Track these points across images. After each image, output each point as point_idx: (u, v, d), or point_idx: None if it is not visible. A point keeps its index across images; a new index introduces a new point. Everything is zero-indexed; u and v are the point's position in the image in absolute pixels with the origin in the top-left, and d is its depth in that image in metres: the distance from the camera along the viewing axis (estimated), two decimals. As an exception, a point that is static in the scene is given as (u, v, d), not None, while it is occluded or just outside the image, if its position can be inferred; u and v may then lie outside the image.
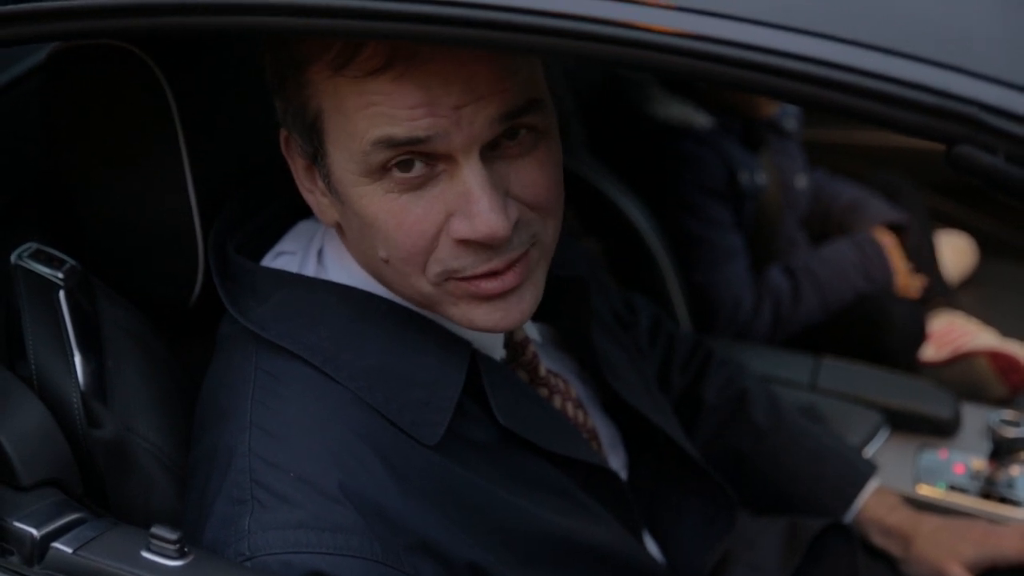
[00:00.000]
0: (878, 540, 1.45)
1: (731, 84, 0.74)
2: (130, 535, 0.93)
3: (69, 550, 0.91)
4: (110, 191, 1.13)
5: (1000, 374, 2.20)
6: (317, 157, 0.97)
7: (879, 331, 2.20)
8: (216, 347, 1.09)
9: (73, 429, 1.02)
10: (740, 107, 2.19)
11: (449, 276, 0.95)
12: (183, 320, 1.21)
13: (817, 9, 0.73)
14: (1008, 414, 1.54)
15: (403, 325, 1.03)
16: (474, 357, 1.04)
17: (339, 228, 1.04)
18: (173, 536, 0.88)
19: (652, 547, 1.30)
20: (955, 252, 2.64)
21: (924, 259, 2.44)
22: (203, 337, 1.13)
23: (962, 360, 2.24)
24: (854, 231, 2.42)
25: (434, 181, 0.92)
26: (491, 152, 0.92)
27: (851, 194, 2.53)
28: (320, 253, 1.09)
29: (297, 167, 1.03)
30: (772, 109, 2.24)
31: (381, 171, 0.91)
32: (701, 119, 2.18)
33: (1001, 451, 1.53)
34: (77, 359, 1.04)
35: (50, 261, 1.07)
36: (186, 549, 0.89)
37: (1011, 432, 1.49)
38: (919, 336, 2.26)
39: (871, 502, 1.46)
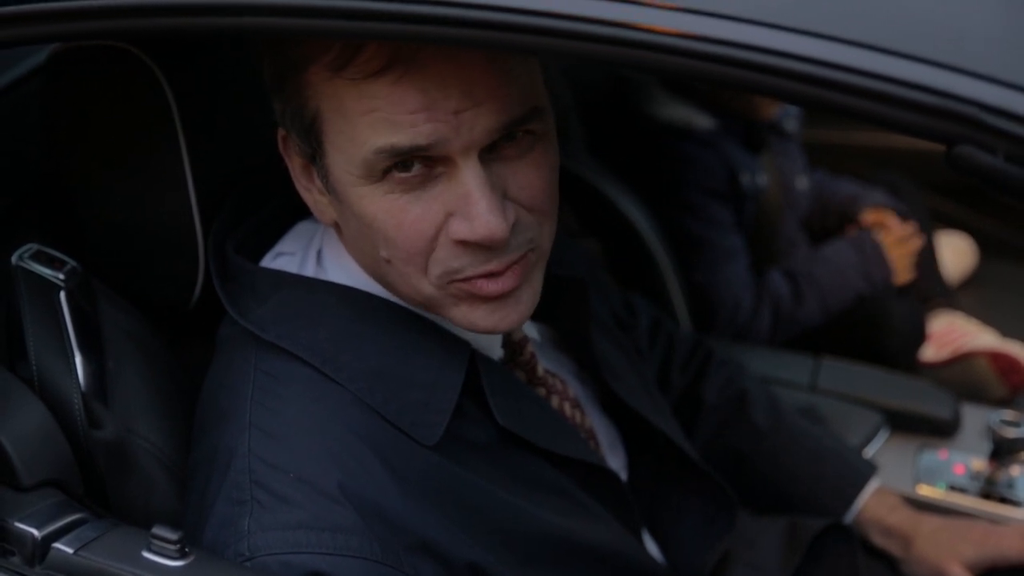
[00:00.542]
0: (878, 540, 1.45)
1: (731, 84, 0.74)
2: (131, 535, 0.93)
3: (70, 550, 0.91)
4: (110, 192, 1.13)
5: (1000, 374, 2.20)
6: (315, 157, 0.97)
7: (879, 332, 2.20)
8: (216, 348, 1.09)
9: (74, 430, 1.02)
10: (741, 109, 2.19)
11: (450, 278, 0.95)
12: (183, 321, 1.21)
13: (817, 9, 0.73)
14: (1008, 414, 1.54)
15: (402, 326, 1.03)
16: (473, 358, 1.04)
17: (337, 227, 1.04)
18: (174, 536, 0.88)
19: (652, 547, 1.30)
20: (955, 252, 2.64)
21: (924, 259, 2.44)
22: (203, 338, 1.13)
23: (962, 360, 2.24)
24: (854, 219, 2.42)
25: (433, 182, 0.92)
26: (489, 154, 0.92)
27: (850, 188, 2.54)
28: (319, 254, 1.09)
29: (295, 166, 1.03)
30: (773, 111, 2.24)
31: (381, 174, 0.91)
32: (702, 120, 2.18)
33: (1001, 451, 1.53)
34: (78, 360, 1.04)
35: (51, 262, 1.07)
36: (187, 549, 0.89)
37: (1011, 432, 1.49)
38: (919, 337, 2.26)
39: (871, 502, 1.46)
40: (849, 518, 1.46)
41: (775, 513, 1.45)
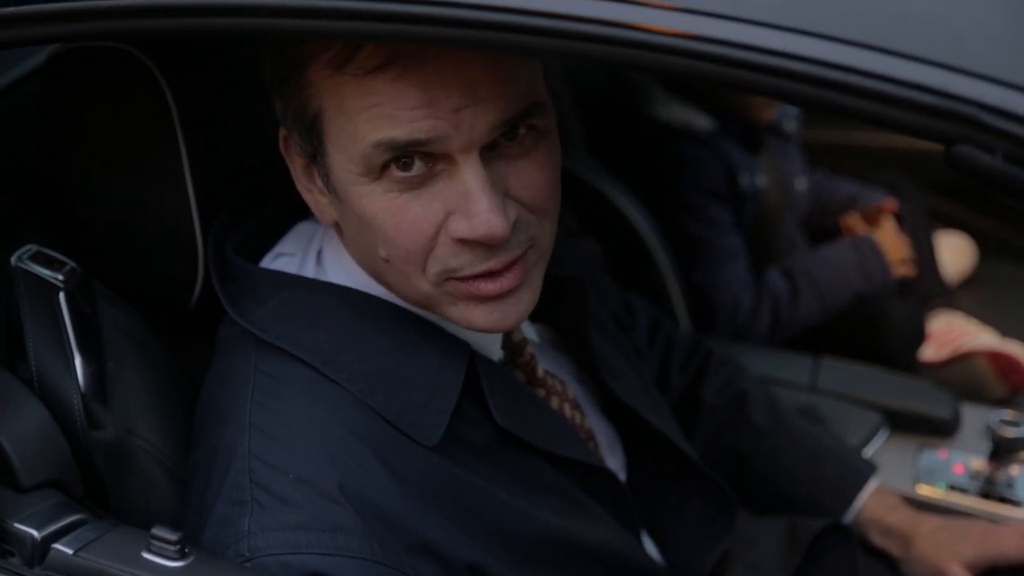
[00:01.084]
0: (878, 540, 1.45)
1: (730, 84, 0.74)
2: (131, 536, 0.93)
3: (70, 551, 0.91)
4: (110, 193, 1.13)
5: (1000, 374, 2.20)
6: (316, 156, 0.97)
7: (879, 332, 2.20)
8: (216, 349, 1.09)
9: (73, 430, 1.02)
10: (740, 110, 2.19)
11: (448, 276, 0.95)
12: (183, 322, 1.21)
13: (816, 9, 0.72)
14: (1008, 414, 1.54)
15: (402, 327, 1.03)
16: (472, 359, 1.04)
17: (337, 228, 1.04)
18: (173, 537, 0.88)
19: (651, 547, 1.30)
20: (955, 252, 2.64)
21: (924, 259, 2.44)
22: (203, 339, 1.13)
23: (962, 360, 2.24)
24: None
25: (433, 180, 0.92)
26: (490, 152, 0.92)
27: (850, 189, 2.54)
28: (319, 254, 1.09)
29: (295, 166, 1.03)
30: (772, 113, 2.25)
31: (381, 171, 0.91)
32: (702, 121, 2.18)
33: (1001, 451, 1.53)
34: (77, 361, 1.04)
35: (50, 263, 1.07)
36: (186, 550, 0.89)
37: (1011, 432, 1.49)
38: (919, 336, 2.26)
39: (871, 502, 1.46)
40: (849, 518, 1.46)
41: (775, 513, 1.45)
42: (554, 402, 1.17)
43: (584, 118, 2.22)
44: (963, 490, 1.57)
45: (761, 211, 2.24)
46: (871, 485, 1.48)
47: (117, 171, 1.12)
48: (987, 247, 2.68)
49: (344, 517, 0.91)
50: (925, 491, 1.58)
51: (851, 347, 2.09)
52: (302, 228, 1.14)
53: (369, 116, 0.89)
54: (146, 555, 0.89)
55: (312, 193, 1.03)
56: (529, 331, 1.20)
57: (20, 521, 0.93)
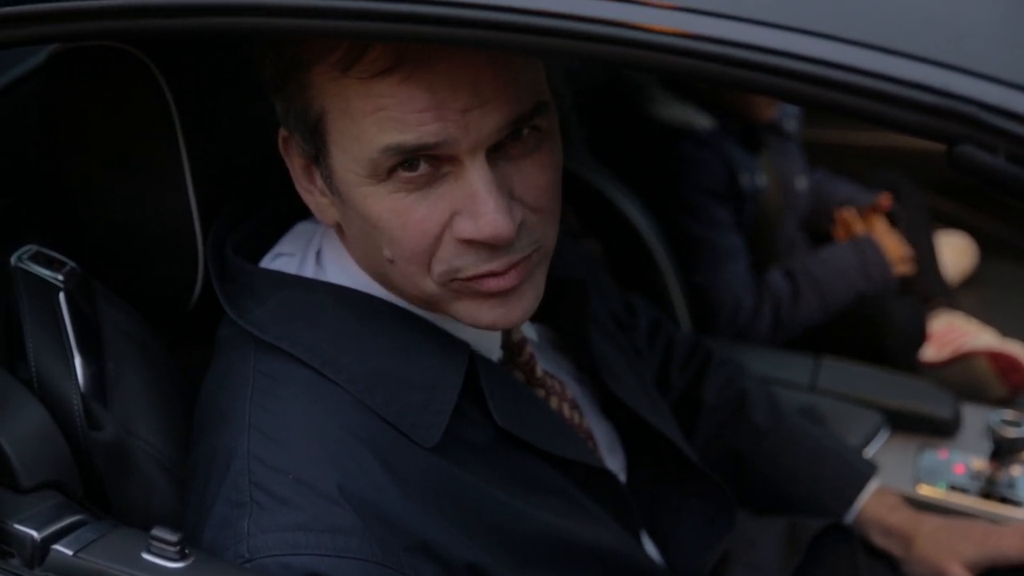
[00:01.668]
0: (878, 540, 1.44)
1: (731, 84, 0.74)
2: (130, 537, 0.93)
3: (70, 552, 0.91)
4: (110, 193, 1.13)
5: (1000, 374, 2.20)
6: (319, 157, 0.97)
7: (879, 332, 2.20)
8: (215, 349, 1.08)
9: (73, 431, 1.02)
10: (741, 110, 2.19)
11: (452, 276, 0.95)
12: (182, 323, 1.21)
13: (817, 8, 0.72)
14: (1008, 414, 1.54)
15: (402, 327, 1.03)
16: (472, 359, 1.04)
17: (338, 228, 1.04)
18: (173, 538, 0.88)
19: (651, 548, 1.30)
20: (955, 252, 2.64)
21: (925, 259, 2.44)
22: (202, 339, 1.13)
23: (962, 360, 2.24)
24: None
25: (439, 181, 0.92)
26: (494, 153, 0.92)
27: (850, 188, 2.54)
28: (319, 254, 1.09)
29: (295, 167, 1.03)
30: (772, 112, 2.25)
31: (387, 173, 0.91)
32: (702, 121, 2.18)
33: (1001, 451, 1.52)
34: (77, 361, 1.04)
35: (50, 263, 1.07)
36: (186, 551, 0.89)
37: (1011, 432, 1.49)
38: (919, 337, 2.26)
39: (871, 502, 1.46)
40: (849, 518, 1.46)
41: (775, 513, 1.45)
42: (553, 402, 1.17)
43: (585, 118, 2.22)
44: (964, 490, 1.57)
45: (761, 211, 2.24)
46: (872, 485, 1.47)
47: (117, 171, 1.12)
48: (988, 247, 2.68)
49: (343, 518, 0.91)
50: (926, 491, 1.58)
51: (852, 347, 2.08)
52: (301, 228, 1.14)
53: (375, 119, 0.89)
54: (146, 556, 0.89)
55: (312, 194, 1.03)
56: (529, 331, 1.20)
57: (20, 522, 0.93)
